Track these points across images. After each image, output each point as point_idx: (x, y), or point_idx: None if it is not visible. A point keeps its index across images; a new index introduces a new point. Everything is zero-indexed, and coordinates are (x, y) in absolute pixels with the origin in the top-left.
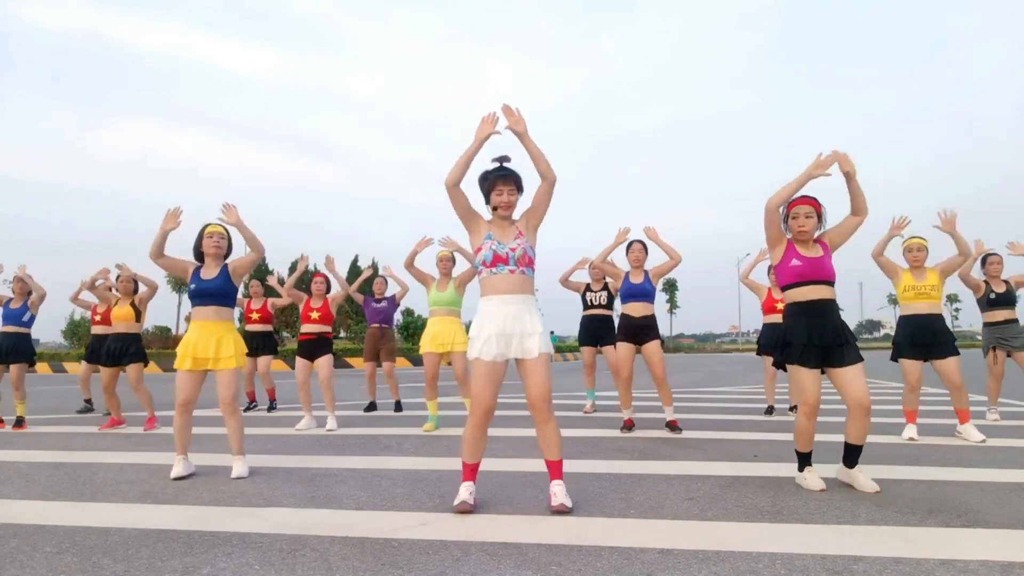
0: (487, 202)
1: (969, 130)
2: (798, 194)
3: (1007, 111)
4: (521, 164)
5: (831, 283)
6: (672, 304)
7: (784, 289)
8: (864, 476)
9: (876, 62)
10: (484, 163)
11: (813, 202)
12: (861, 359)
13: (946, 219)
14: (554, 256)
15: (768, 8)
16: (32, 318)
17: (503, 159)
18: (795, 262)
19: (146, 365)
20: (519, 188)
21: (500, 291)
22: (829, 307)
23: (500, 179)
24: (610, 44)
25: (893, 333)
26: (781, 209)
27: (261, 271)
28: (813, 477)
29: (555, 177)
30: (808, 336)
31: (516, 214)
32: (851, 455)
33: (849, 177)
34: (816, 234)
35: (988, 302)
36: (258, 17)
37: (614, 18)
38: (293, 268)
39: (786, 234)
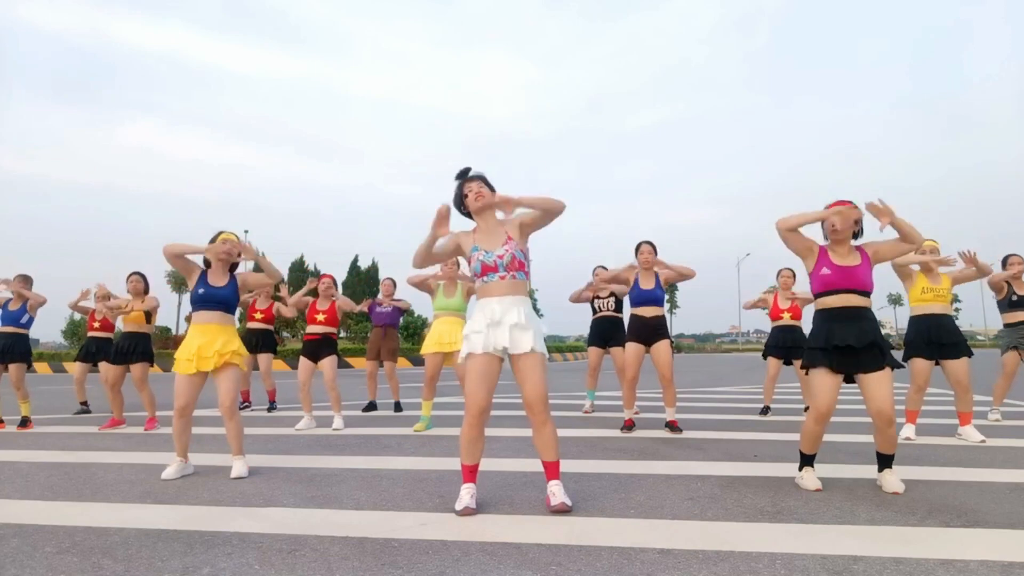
0: (468, 213)
1: (968, 126)
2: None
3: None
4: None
5: (864, 293)
6: (672, 304)
7: (816, 297)
8: (893, 477)
9: (875, 60)
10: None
11: (847, 202)
12: (893, 365)
13: (969, 258)
14: (557, 257)
15: (769, 9)
16: (31, 320)
17: (463, 172)
18: (825, 271)
19: (152, 365)
20: (488, 185)
21: (493, 295)
22: (857, 313)
23: (465, 182)
24: (610, 44)
25: (895, 333)
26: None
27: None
28: (810, 477)
29: (563, 206)
30: (828, 339)
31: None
32: (882, 461)
33: (892, 223)
34: (857, 242)
35: (1010, 303)
36: (259, 18)
37: (614, 19)
38: (293, 268)
39: (818, 242)
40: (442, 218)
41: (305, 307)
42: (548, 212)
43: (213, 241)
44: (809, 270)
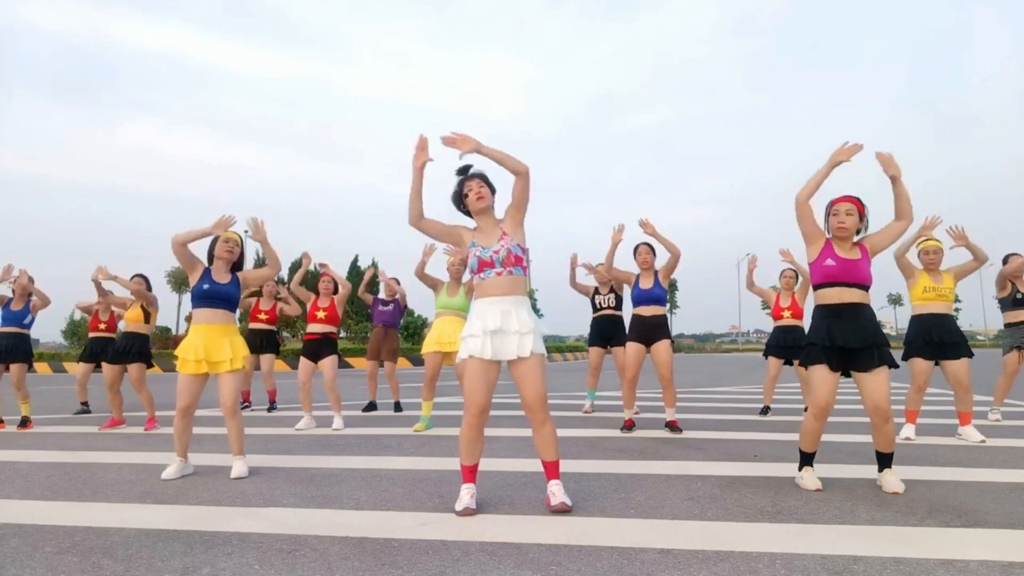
0: (468, 212)
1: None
2: (841, 193)
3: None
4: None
5: (864, 287)
6: (672, 304)
7: (815, 288)
8: (893, 478)
9: (875, 60)
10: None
11: (855, 200)
12: (890, 364)
13: (957, 235)
14: (557, 257)
15: (769, 9)
16: (32, 320)
17: (464, 169)
18: (829, 262)
19: (150, 367)
20: (488, 184)
21: (491, 294)
22: (857, 310)
23: (465, 180)
24: (610, 44)
25: (895, 333)
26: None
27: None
28: (810, 477)
29: (526, 168)
30: (829, 337)
31: (499, 213)
32: (881, 461)
33: (894, 180)
34: (857, 237)
35: (1013, 302)
36: (259, 18)
37: (614, 19)
38: (293, 268)
39: (826, 233)
40: (421, 149)
41: (307, 300)
42: (515, 174)
43: (214, 243)
44: (812, 258)
